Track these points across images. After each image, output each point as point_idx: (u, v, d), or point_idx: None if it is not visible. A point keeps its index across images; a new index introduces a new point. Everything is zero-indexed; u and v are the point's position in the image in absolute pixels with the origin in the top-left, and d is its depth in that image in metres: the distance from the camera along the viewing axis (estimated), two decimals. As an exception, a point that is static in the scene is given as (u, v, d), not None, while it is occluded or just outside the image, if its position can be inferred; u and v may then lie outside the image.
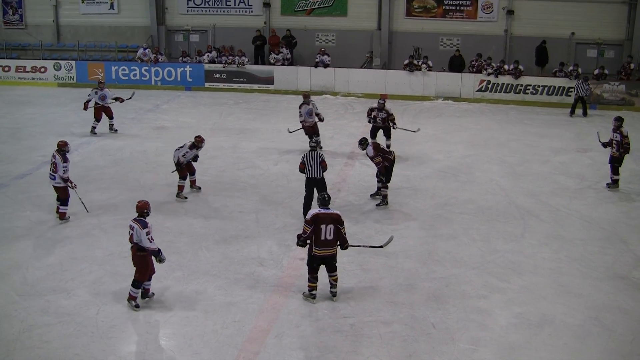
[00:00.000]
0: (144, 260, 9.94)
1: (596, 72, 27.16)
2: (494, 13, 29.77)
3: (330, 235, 10.08)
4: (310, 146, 14.12)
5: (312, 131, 17.95)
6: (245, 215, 13.84)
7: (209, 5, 31.57)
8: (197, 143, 14.78)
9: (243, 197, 14.99)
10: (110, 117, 20.60)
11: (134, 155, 18.46)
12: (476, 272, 11.44)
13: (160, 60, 29.24)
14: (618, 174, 16.25)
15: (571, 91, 26.22)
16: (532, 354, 9.02)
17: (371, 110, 18.16)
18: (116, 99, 20.62)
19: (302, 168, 13.40)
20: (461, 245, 12.65)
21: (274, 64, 28.84)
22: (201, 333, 9.29)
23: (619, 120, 16.51)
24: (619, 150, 16.14)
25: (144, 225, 9.79)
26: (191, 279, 10.95)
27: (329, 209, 10.22)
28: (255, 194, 15.24)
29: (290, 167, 16.84)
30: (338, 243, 10.23)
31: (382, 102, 18.03)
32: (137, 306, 9.97)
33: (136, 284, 9.97)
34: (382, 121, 18.03)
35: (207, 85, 29.09)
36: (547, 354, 9.02)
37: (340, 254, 11.06)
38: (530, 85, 27.30)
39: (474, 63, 27.96)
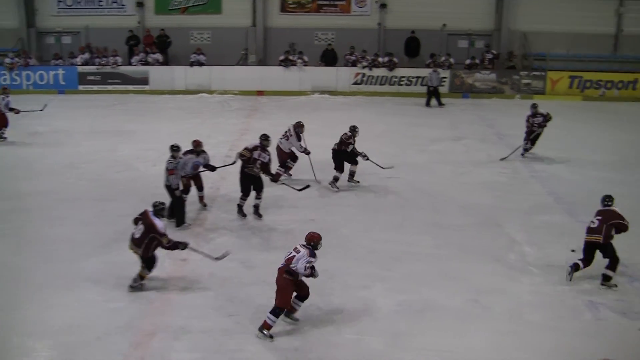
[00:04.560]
0: (288, 283, 9.26)
1: (468, 62, 28.14)
2: (367, 7, 30.24)
3: (137, 234, 10.36)
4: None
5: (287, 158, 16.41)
6: (124, 219, 13.41)
7: (81, 6, 30.66)
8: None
9: (122, 200, 14.63)
10: (5, 125, 19.73)
11: (8, 162, 17.81)
12: (358, 263, 11.58)
13: (30, 63, 28.29)
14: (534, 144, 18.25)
15: (444, 82, 26.92)
16: (416, 340, 9.21)
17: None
18: (12, 109, 19.70)
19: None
20: (343, 236, 12.74)
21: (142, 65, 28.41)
22: (85, 342, 9.04)
23: (535, 106, 18.39)
24: (541, 126, 18.07)
25: (313, 255, 9.23)
26: (71, 287, 10.63)
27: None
28: (135, 196, 14.87)
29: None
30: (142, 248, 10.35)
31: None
32: (271, 337, 9.17)
33: (276, 311, 9.22)
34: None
35: (81, 87, 28.22)
36: (431, 339, 9.22)
37: (222, 251, 11.03)
38: (404, 76, 27.95)
39: (348, 57, 28.29)
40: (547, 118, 18.07)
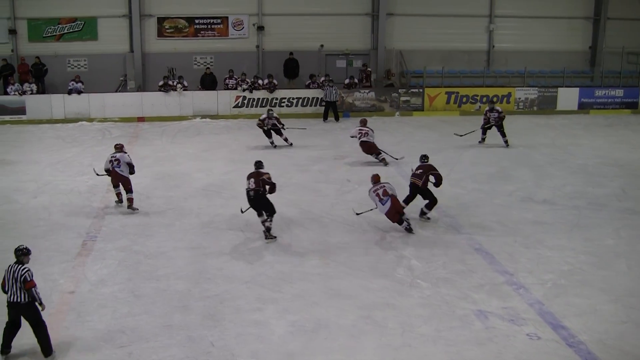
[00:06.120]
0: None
1: (347, 81, 28.53)
2: (244, 30, 30.30)
3: None
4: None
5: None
6: (2, 254, 12.95)
7: (-52, 34, 29.41)
8: None
9: (1, 234, 14.02)
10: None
11: None
12: (248, 286, 11.44)
13: None
14: (506, 135, 22.02)
15: (325, 102, 27.19)
16: (310, 359, 9.18)
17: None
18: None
19: None
20: (231, 260, 12.61)
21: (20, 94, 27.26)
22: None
23: (492, 102, 22.93)
24: (498, 119, 21.71)
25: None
26: None
27: None
28: (15, 230, 14.28)
29: (50, 198, 16.07)
30: None
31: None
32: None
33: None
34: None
35: (-48, 120, 26.91)
36: (324, 357, 9.16)
37: (109, 282, 10.69)
38: (285, 98, 28.09)
39: (228, 80, 28.20)
40: (501, 115, 21.72)
